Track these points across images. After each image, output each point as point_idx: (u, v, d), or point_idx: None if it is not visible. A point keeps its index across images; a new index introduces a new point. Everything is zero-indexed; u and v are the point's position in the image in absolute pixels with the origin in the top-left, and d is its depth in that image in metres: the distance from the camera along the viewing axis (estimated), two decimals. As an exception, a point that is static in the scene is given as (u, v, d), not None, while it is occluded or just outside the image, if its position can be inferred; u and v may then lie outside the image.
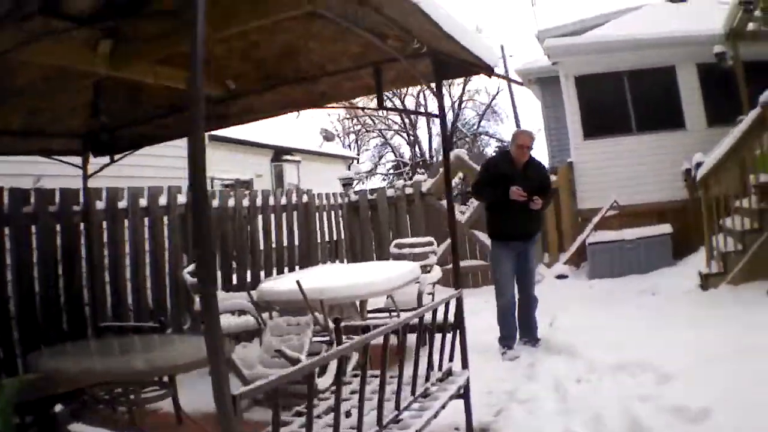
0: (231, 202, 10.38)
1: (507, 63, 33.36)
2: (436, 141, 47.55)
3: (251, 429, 3.97)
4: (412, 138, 46.38)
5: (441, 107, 5.53)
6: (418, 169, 44.20)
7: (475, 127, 46.50)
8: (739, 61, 11.95)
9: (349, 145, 47.04)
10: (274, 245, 11.46)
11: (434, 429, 4.99)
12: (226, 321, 7.65)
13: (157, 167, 9.81)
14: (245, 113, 6.43)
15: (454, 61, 5.14)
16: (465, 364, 5.55)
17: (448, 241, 12.91)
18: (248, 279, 10.30)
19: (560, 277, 13.33)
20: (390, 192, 14.68)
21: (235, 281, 10.21)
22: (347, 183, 15.59)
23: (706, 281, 10.06)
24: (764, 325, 7.17)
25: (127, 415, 5.56)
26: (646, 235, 12.98)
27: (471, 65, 5.32)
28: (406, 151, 47.91)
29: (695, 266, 10.70)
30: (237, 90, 5.39)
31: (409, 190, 14.51)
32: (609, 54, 14.43)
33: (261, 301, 7.16)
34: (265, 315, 7.00)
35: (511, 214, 8.11)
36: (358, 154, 46.55)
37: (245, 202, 10.71)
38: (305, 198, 12.68)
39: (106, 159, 7.19)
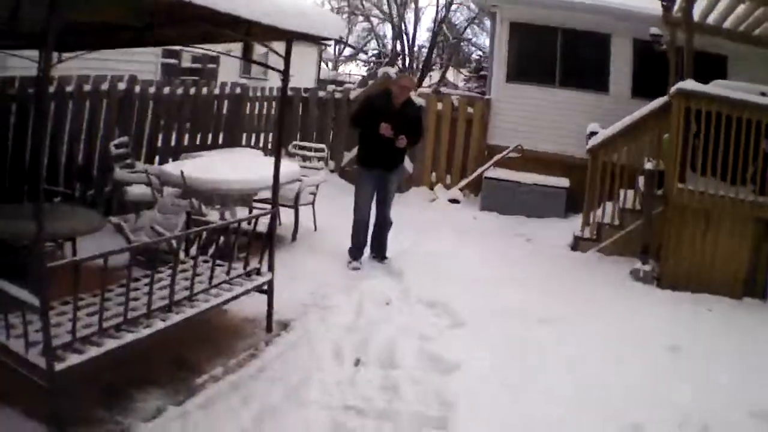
0: (166, 90, 11.83)
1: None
2: (422, 37, 47.86)
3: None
4: (397, 29, 45.64)
5: (287, 67, 6.38)
6: (398, 61, 44.51)
7: (462, 32, 45.90)
8: (673, 46, 12.03)
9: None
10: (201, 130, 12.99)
11: (251, 312, 6.59)
12: (139, 190, 9.11)
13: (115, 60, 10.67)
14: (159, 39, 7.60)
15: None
16: (270, 268, 6.47)
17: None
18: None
19: (453, 201, 13.85)
20: (322, 94, 15.29)
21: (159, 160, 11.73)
22: (282, 88, 16.24)
23: (577, 243, 10.92)
24: (600, 304, 8.07)
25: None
26: (542, 183, 13.35)
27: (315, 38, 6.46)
28: (390, 42, 47.39)
29: (578, 225, 11.41)
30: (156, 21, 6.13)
31: (338, 95, 15.11)
32: (548, 9, 14.53)
33: (161, 178, 8.44)
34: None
35: (378, 146, 8.78)
36: (348, 36, 46.37)
37: (179, 91, 12.22)
38: (238, 90, 13.94)
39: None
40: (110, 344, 4.56)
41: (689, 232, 9.46)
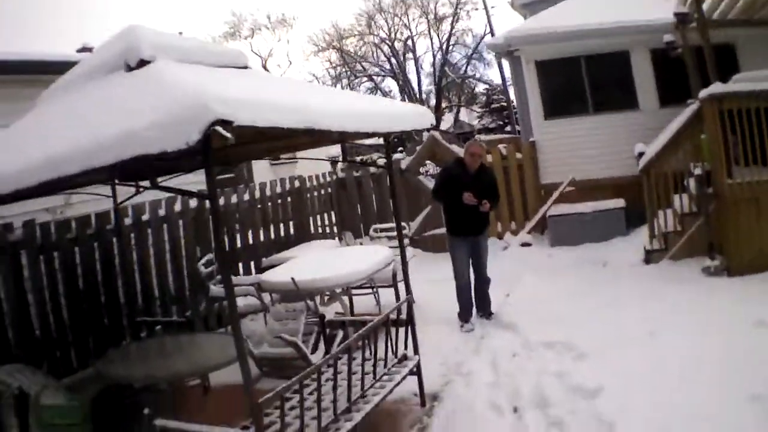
0: (234, 199, 12.38)
1: (489, 17, 34.36)
2: (425, 84, 48.40)
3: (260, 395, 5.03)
4: (401, 83, 46.74)
5: (389, 160, 7.20)
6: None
7: (463, 70, 46.57)
8: (688, 48, 12.51)
9: (342, 89, 46.96)
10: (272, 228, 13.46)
11: (396, 394, 6.87)
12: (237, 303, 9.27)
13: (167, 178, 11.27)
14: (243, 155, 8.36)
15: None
16: (416, 350, 7.14)
17: (425, 211, 14.61)
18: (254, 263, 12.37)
19: (524, 245, 14.42)
20: (373, 170, 15.97)
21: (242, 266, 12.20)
22: (335, 161, 16.94)
23: (649, 257, 11.56)
24: (685, 307, 8.75)
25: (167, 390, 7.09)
26: (601, 208, 13.99)
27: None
28: (397, 95, 47.80)
29: (644, 238, 12.08)
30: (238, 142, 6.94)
31: (389, 167, 15.78)
32: (566, 41, 15.09)
33: (264, 287, 8.90)
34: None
35: (464, 215, 9.43)
36: None
37: (246, 197, 12.71)
38: (297, 183, 14.50)
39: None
40: None
41: (745, 221, 10.21)
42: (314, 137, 5.79)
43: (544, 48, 15.52)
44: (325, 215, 15.68)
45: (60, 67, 7.05)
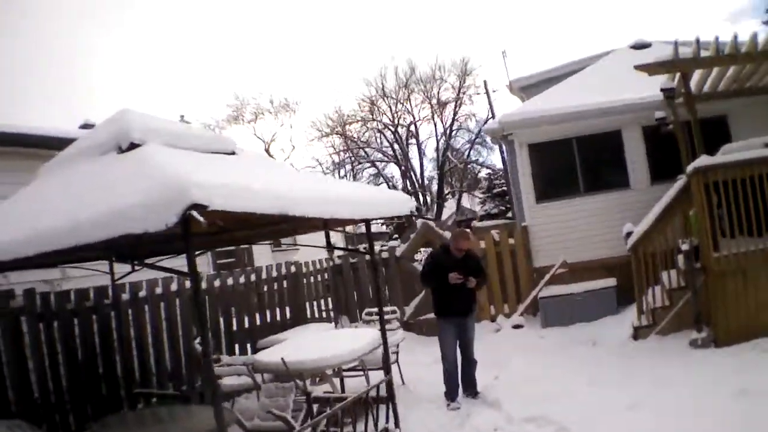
0: (230, 281, 12.64)
1: (491, 101, 34.81)
2: (428, 170, 48.50)
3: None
4: (403, 168, 46.92)
5: (370, 244, 7.39)
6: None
7: (466, 155, 46.70)
8: (678, 124, 12.77)
9: (345, 175, 47.62)
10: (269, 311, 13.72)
11: None
12: (230, 381, 9.46)
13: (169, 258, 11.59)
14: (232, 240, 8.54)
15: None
16: (396, 424, 7.41)
17: (419, 296, 14.74)
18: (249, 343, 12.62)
19: (516, 327, 14.52)
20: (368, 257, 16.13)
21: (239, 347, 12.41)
22: (332, 248, 17.14)
23: (637, 333, 11.67)
24: (668, 381, 8.90)
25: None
26: (592, 288, 14.17)
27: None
28: (399, 180, 48.23)
29: (634, 315, 12.17)
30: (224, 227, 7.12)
31: (385, 254, 16.07)
32: (558, 124, 15.44)
33: (256, 368, 8.96)
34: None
35: (450, 296, 9.62)
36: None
37: (242, 279, 12.97)
38: (293, 269, 14.81)
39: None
40: None
41: (732, 292, 10.37)
42: (293, 223, 5.97)
43: (536, 131, 15.82)
44: (322, 300, 15.93)
45: (59, 143, 7.53)
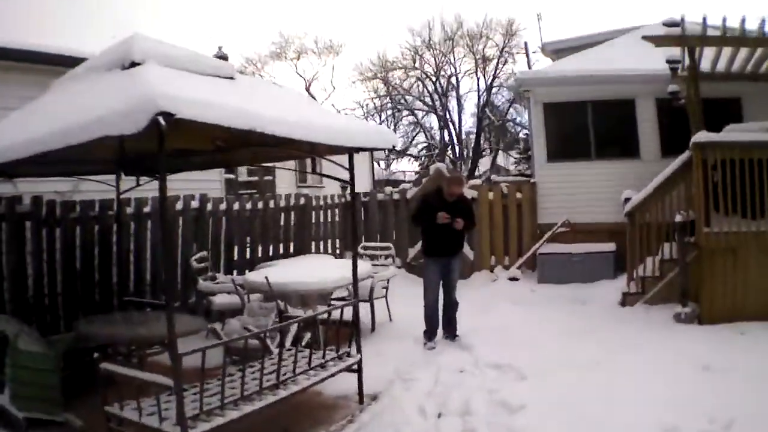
0: (236, 206, 12.96)
1: (530, 62, 34.65)
2: (467, 125, 48.40)
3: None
4: (442, 121, 46.75)
5: (351, 177, 7.62)
6: (448, 152, 45.42)
7: (505, 113, 46.27)
8: (690, 99, 12.22)
9: (385, 120, 47.58)
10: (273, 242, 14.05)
11: (342, 391, 7.69)
12: (221, 299, 10.12)
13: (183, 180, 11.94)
14: (229, 161, 9.14)
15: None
16: (358, 350, 7.64)
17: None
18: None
19: (512, 279, 14.84)
20: (380, 196, 16.59)
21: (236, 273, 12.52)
22: (344, 186, 17.27)
23: (625, 299, 11.93)
24: (638, 347, 9.11)
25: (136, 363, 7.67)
26: (592, 250, 14.31)
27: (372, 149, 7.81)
28: (437, 132, 48.05)
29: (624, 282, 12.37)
30: (223, 146, 7.42)
31: (396, 196, 16.40)
32: (574, 86, 15.61)
33: (246, 287, 9.57)
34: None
35: (438, 236, 9.88)
36: (395, 130, 46.66)
37: (248, 206, 13.30)
38: (302, 200, 15.11)
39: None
40: (232, 414, 5.66)
41: (721, 270, 10.49)
42: (276, 142, 6.29)
43: (552, 90, 15.98)
44: (329, 241, 16.20)
45: (76, 62, 7.77)
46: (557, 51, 22.02)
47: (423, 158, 47.49)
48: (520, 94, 17.31)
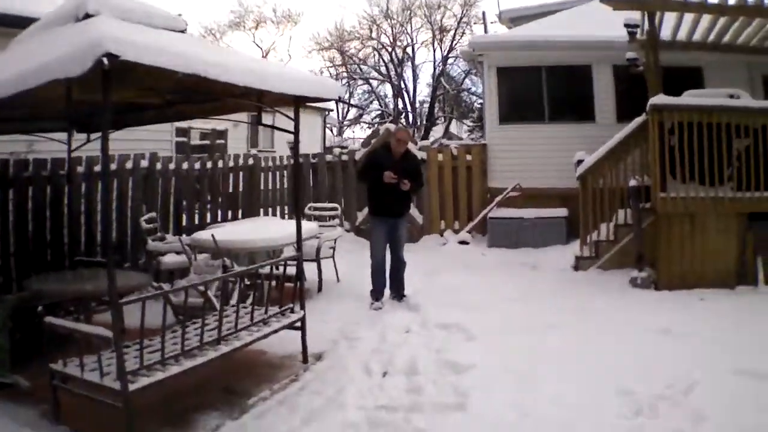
0: (185, 165, 12.77)
1: (487, 32, 34.38)
2: (422, 94, 48.23)
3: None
4: (396, 90, 46.45)
5: (296, 128, 7.34)
6: (401, 119, 45.32)
7: (460, 83, 46.04)
8: (649, 66, 12.21)
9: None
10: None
11: (287, 351, 7.53)
12: (171, 259, 9.88)
13: (134, 140, 11.71)
14: (179, 114, 8.91)
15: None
16: (302, 306, 7.47)
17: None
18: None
19: (462, 243, 14.69)
20: (329, 157, 16.33)
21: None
22: (294, 147, 17.02)
23: (578, 263, 11.80)
24: (593, 311, 9.06)
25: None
26: (543, 215, 14.29)
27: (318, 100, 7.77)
28: (392, 100, 47.99)
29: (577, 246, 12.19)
30: (172, 100, 7.33)
31: (345, 158, 16.10)
32: (530, 51, 15.57)
33: (194, 245, 9.43)
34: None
35: (385, 195, 9.65)
36: (349, 99, 48.28)
37: (196, 165, 13.05)
38: (251, 161, 14.84)
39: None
40: (172, 369, 5.53)
41: (678, 236, 10.40)
42: (225, 92, 6.14)
43: (506, 55, 15.92)
44: (278, 207, 15.86)
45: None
46: (514, 19, 22.22)
47: (376, 125, 47.16)
48: (473, 59, 17.06)
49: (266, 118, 7.93)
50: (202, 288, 7.12)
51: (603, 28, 14.27)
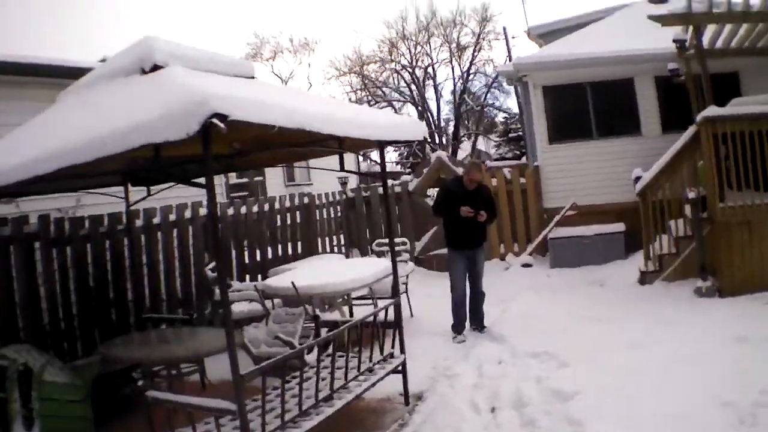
0: (243, 209, 12.64)
1: (510, 47, 34.56)
2: (445, 111, 48.36)
3: (257, 392, 5.55)
4: (420, 109, 46.48)
5: (383, 168, 7.55)
6: (427, 140, 45.32)
7: (483, 99, 46.10)
8: (690, 76, 12.68)
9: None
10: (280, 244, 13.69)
11: (383, 394, 7.49)
12: (240, 307, 9.47)
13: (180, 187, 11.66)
14: (249, 163, 8.69)
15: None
16: (402, 350, 7.50)
17: (430, 232, 14.93)
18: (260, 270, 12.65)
19: (525, 265, 14.78)
20: (382, 190, 16.26)
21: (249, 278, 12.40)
22: (344, 182, 17.17)
23: (644, 277, 11.92)
24: (669, 324, 9.12)
25: (166, 385, 7.39)
26: (601, 232, 14.39)
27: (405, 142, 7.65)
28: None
29: (641, 261, 12.32)
30: (241, 149, 7.26)
31: (398, 189, 16.15)
32: (572, 69, 15.53)
33: (267, 293, 9.20)
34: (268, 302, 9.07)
35: (461, 228, 9.81)
36: None
37: (255, 208, 12.95)
38: (306, 200, 14.79)
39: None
40: None
41: (737, 243, 10.54)
42: (309, 144, 6.14)
43: (551, 74, 15.91)
44: (334, 237, 15.86)
45: (80, 73, 7.50)
46: (543, 35, 22.13)
47: (402, 147, 47.32)
48: (514, 78, 17.17)
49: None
50: (286, 338, 6.92)
51: (638, 39, 14.56)
